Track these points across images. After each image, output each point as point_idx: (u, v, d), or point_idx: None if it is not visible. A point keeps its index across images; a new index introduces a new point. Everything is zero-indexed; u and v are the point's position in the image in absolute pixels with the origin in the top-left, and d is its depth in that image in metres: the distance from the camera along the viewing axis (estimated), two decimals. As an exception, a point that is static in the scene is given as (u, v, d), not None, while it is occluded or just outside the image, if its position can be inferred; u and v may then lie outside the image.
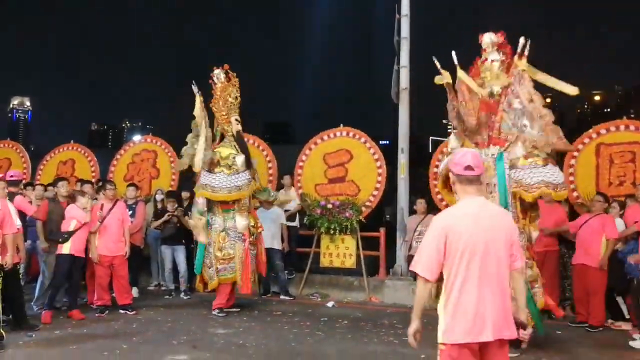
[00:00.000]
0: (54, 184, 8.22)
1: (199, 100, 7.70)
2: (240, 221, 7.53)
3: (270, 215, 8.72)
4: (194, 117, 7.81)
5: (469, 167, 3.03)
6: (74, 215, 7.10)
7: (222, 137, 8.00)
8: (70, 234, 7.05)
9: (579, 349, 6.04)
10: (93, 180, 10.85)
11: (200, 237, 7.57)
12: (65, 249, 7.04)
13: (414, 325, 3.01)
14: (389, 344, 6.15)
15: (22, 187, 8.22)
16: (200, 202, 7.60)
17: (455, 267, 2.94)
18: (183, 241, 8.98)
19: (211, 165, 7.60)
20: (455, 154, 3.19)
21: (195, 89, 7.72)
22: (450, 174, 3.17)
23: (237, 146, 7.81)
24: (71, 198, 7.43)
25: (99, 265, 7.48)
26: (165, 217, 8.81)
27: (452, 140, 6.21)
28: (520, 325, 3.02)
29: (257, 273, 7.91)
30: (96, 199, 8.22)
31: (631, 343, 6.26)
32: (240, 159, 7.59)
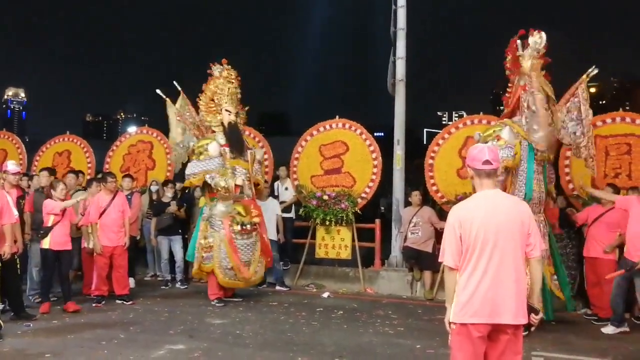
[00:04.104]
0: (30, 176, 8.22)
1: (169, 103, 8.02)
2: (220, 207, 7.60)
3: (266, 206, 8.74)
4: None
5: (487, 162, 3.15)
6: (49, 211, 6.96)
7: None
8: (48, 229, 6.93)
9: (574, 339, 6.12)
10: (89, 171, 10.86)
11: (224, 183, 7.54)
12: (45, 243, 6.96)
13: (448, 313, 3.17)
14: (384, 334, 6.21)
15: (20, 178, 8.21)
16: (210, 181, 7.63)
17: (469, 255, 3.10)
18: (179, 231, 9.00)
19: (191, 154, 7.86)
20: (472, 150, 3.27)
21: (161, 92, 7.86)
22: (469, 169, 3.29)
23: (225, 137, 7.83)
24: (52, 187, 7.17)
25: (99, 255, 7.50)
26: (170, 211, 8.85)
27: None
28: (532, 310, 3.16)
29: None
30: (85, 188, 8.23)
31: (603, 329, 6.37)
32: (212, 146, 7.66)
